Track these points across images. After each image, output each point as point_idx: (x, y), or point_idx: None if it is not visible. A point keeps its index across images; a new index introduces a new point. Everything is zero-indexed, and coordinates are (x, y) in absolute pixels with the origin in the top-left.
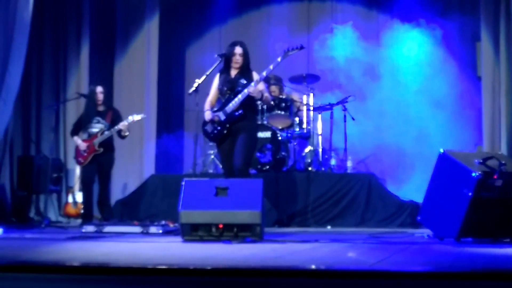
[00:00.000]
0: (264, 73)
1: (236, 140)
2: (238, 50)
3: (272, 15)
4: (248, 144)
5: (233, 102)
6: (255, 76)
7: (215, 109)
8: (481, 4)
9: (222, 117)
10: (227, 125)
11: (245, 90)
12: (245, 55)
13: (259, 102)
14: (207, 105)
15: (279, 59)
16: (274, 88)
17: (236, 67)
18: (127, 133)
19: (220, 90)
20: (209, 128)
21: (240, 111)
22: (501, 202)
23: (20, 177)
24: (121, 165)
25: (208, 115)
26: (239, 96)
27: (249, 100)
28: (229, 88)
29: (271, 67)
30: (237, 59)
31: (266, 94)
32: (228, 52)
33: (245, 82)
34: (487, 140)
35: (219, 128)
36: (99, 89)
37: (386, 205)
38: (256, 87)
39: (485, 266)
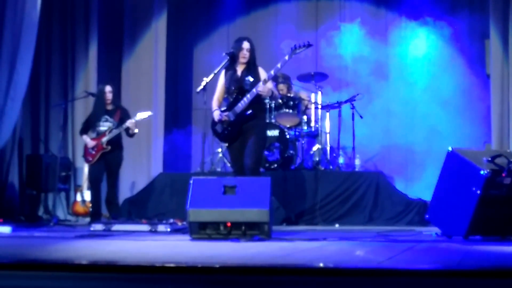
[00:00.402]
0: (272, 72)
1: (246, 139)
2: (245, 45)
3: (280, 13)
4: (258, 144)
5: (242, 102)
6: (262, 72)
7: (223, 108)
8: (490, 2)
9: (232, 118)
10: (237, 126)
11: (254, 90)
12: (252, 50)
13: (267, 101)
14: (214, 104)
15: (286, 57)
16: (282, 86)
17: (243, 62)
18: (135, 131)
19: (227, 89)
20: (219, 128)
21: (250, 111)
22: (509, 200)
23: (28, 176)
24: (129, 164)
25: (217, 115)
26: (248, 95)
27: (258, 99)
28: (237, 87)
29: (279, 65)
30: (245, 54)
31: (275, 92)
32: (235, 47)
33: (252, 80)
34: (495, 138)
35: (229, 128)
36: (108, 88)
37: (394, 203)
38: (265, 85)
39: (493, 264)
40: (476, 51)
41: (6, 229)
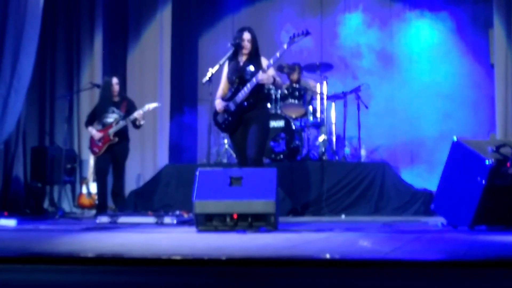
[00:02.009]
0: (271, 61)
1: (248, 129)
2: (246, 36)
3: (285, 3)
4: (260, 134)
5: (242, 91)
6: (264, 61)
7: (226, 97)
8: None
9: (232, 108)
10: (238, 116)
11: (254, 79)
12: (254, 40)
13: (272, 91)
14: (219, 93)
15: (285, 46)
16: (294, 74)
17: (245, 53)
18: (142, 122)
19: (229, 79)
20: (220, 118)
21: (250, 101)
22: None
23: (34, 168)
24: (135, 156)
25: (218, 104)
26: (248, 85)
27: (259, 88)
28: (238, 77)
29: (277, 54)
30: (246, 45)
31: (278, 79)
32: (237, 38)
33: (253, 69)
34: (500, 128)
35: (230, 119)
36: (115, 80)
37: (400, 193)
38: (266, 73)
39: (499, 254)
40: (480, 40)
41: (11, 222)
